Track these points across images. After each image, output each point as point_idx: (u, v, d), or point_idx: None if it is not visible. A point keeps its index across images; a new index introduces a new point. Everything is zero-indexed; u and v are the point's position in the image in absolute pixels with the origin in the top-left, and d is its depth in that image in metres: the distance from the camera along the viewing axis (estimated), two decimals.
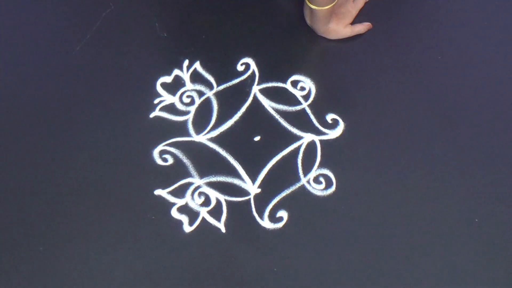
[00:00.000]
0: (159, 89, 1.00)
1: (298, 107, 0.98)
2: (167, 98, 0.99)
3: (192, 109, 0.99)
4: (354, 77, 1.01)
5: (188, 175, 0.93)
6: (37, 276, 0.87)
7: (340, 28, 1.02)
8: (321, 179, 0.93)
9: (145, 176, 0.93)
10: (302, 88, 1.00)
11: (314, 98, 0.99)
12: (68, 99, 1.00)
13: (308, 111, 0.98)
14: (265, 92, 0.99)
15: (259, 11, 1.05)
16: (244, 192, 0.92)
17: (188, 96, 1.00)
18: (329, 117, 0.97)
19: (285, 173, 0.93)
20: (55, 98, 1.00)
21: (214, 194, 0.92)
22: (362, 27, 1.03)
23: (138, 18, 1.07)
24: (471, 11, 1.07)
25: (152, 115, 0.98)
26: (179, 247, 0.88)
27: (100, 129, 0.97)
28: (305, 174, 0.93)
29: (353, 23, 1.03)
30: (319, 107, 0.98)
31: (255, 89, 1.00)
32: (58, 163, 0.94)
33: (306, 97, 0.99)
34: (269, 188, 0.92)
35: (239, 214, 0.91)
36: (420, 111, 0.98)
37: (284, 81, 1.00)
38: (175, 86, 1.01)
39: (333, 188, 0.92)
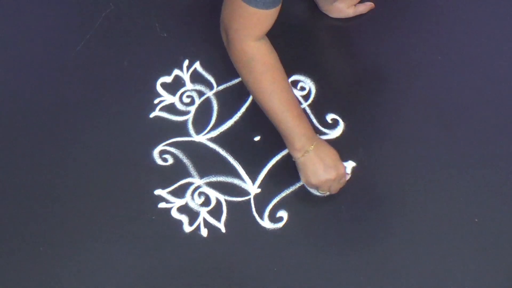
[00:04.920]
0: (159, 89, 1.00)
1: None
2: (167, 98, 1.00)
3: (192, 109, 0.99)
4: (354, 77, 1.01)
5: (188, 175, 0.93)
6: (37, 276, 0.87)
7: (344, 7, 1.03)
8: None
9: (145, 176, 0.93)
10: (302, 88, 1.00)
11: (314, 98, 0.99)
12: (68, 98, 1.00)
13: (308, 111, 0.98)
14: None
15: None
16: (244, 192, 0.92)
17: (188, 96, 1.00)
18: (329, 117, 0.97)
19: (285, 173, 0.93)
20: (55, 98, 1.00)
21: (214, 194, 0.92)
22: (364, 7, 1.04)
23: (138, 18, 1.07)
24: (471, 11, 1.07)
25: (152, 115, 0.98)
26: (179, 247, 0.88)
27: (100, 129, 0.97)
28: None
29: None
30: (319, 107, 0.98)
31: None
32: (58, 163, 0.94)
33: (306, 97, 0.99)
34: (269, 188, 0.92)
35: (239, 214, 0.90)
36: (420, 111, 0.97)
37: None
38: (175, 86, 1.01)
39: None
